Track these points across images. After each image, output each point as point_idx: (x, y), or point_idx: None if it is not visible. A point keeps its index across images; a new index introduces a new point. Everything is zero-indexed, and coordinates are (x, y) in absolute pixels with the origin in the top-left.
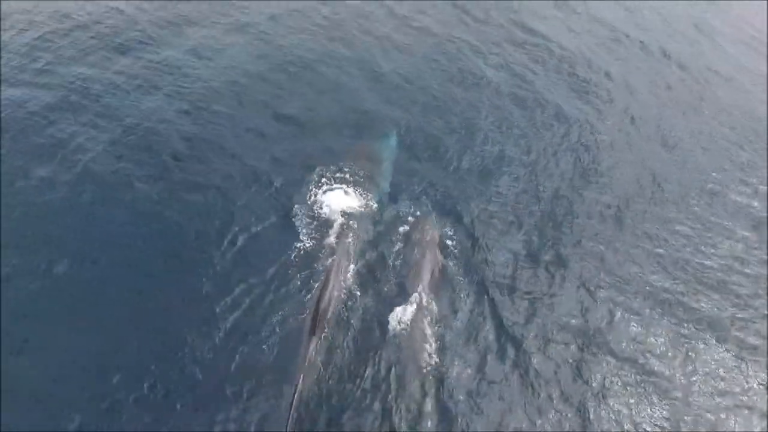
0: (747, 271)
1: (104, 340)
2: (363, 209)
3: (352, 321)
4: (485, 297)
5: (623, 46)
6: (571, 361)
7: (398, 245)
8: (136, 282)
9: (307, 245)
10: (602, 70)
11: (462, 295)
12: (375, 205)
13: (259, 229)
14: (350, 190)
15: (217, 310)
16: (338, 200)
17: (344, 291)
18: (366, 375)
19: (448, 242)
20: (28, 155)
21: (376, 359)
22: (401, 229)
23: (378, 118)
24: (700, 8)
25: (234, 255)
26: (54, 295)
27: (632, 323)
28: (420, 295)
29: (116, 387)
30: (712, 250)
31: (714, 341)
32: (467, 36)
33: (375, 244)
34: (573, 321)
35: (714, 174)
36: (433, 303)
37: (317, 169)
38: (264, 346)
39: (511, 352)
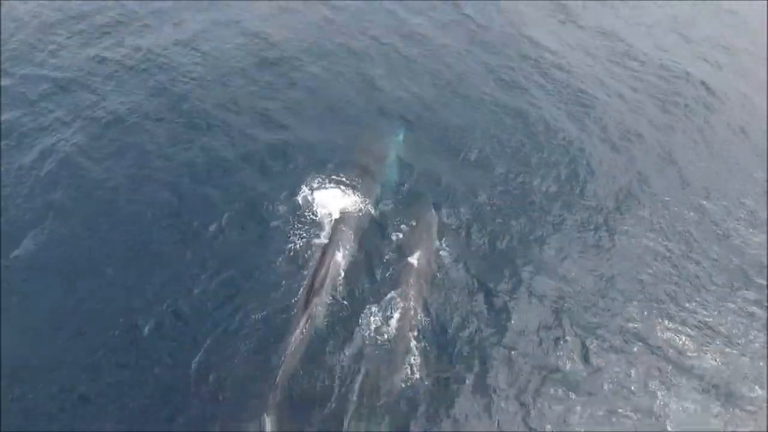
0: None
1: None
2: (363, 202)
3: (343, 302)
4: (478, 295)
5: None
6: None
7: (396, 236)
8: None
9: (305, 237)
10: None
11: (453, 294)
12: (376, 197)
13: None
14: (353, 183)
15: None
16: (335, 196)
17: (339, 272)
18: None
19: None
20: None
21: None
22: (401, 220)
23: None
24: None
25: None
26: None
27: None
28: (410, 286)
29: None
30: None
31: None
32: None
33: (372, 234)
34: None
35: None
36: (422, 298)
37: (319, 165)
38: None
39: (496, 351)
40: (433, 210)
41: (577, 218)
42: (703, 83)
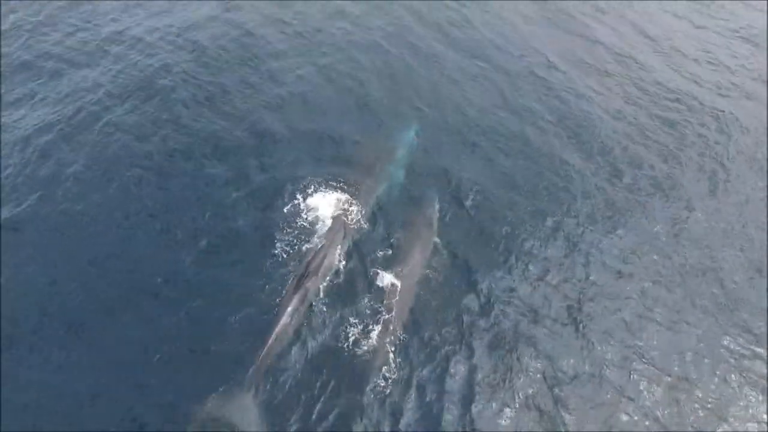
0: None
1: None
2: (361, 204)
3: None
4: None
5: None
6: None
7: (388, 244)
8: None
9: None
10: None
11: (441, 305)
12: (376, 198)
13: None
14: (351, 185)
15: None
16: (329, 199)
17: (334, 262)
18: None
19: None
20: None
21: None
22: (396, 225)
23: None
24: None
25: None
26: None
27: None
28: (395, 298)
29: None
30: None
31: None
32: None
33: (365, 239)
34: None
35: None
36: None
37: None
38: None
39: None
40: (435, 208)
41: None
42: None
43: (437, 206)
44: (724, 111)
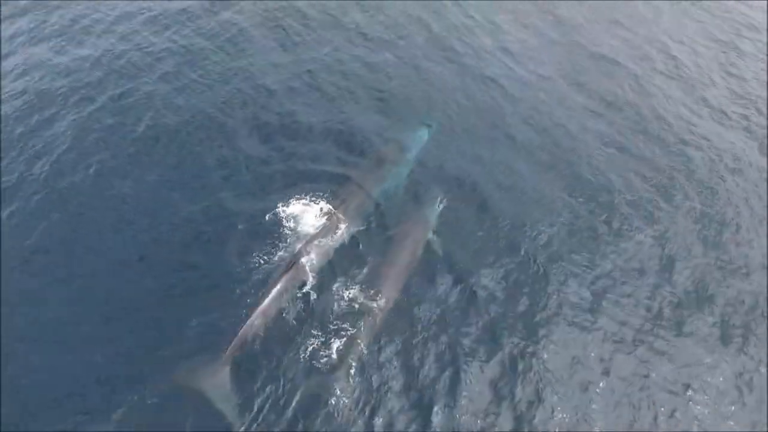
0: None
1: None
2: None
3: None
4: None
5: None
6: None
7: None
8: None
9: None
10: None
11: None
12: (373, 204)
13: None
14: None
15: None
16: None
17: (329, 249)
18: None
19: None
20: None
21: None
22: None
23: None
24: None
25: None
26: None
27: None
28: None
29: None
30: None
31: None
32: None
33: (346, 251)
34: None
35: None
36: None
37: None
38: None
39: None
40: (437, 205)
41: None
42: None
43: (439, 204)
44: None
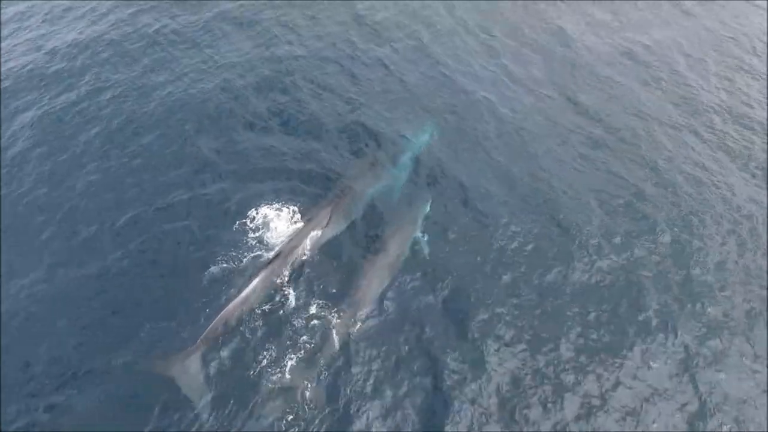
0: None
1: None
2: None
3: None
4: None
5: None
6: None
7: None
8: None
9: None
10: None
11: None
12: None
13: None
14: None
15: None
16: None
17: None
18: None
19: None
20: None
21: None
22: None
23: None
24: None
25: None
26: None
27: None
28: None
29: None
30: None
31: None
32: None
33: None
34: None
35: None
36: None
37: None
38: None
39: None
40: (426, 207)
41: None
42: None
43: (429, 206)
44: None
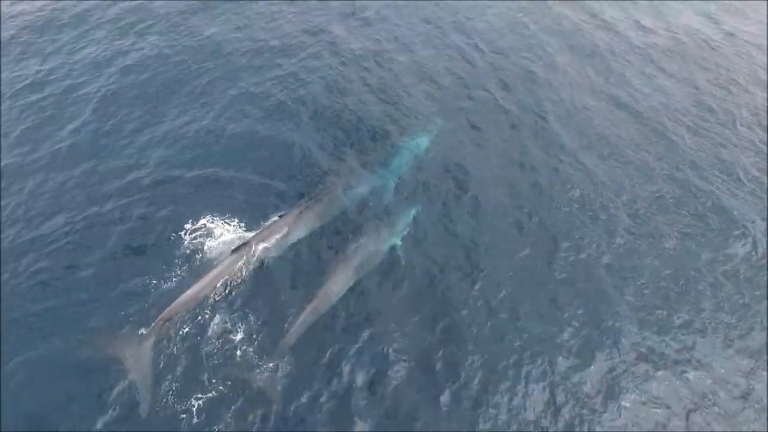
0: None
1: None
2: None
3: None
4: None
5: None
6: None
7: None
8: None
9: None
10: None
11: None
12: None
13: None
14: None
15: None
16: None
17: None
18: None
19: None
20: None
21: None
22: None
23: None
24: None
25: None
26: None
27: None
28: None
29: None
30: None
31: None
32: None
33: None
34: None
35: None
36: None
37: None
38: None
39: None
40: (409, 215)
41: None
42: None
43: (413, 213)
44: None
